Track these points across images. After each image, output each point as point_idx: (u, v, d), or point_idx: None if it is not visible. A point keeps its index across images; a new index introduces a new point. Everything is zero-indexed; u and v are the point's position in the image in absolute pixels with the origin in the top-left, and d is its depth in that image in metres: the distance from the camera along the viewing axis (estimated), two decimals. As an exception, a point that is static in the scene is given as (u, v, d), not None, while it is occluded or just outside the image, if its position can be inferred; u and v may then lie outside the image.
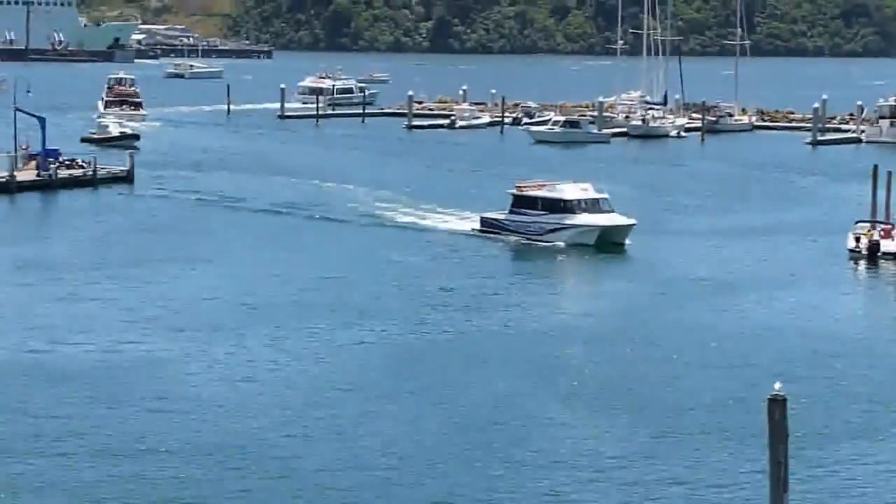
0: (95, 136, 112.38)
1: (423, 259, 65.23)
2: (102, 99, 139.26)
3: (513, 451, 36.16)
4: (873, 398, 41.78)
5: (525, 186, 72.06)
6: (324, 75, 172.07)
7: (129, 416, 38.89)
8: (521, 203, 70.48)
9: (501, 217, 71.05)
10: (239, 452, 35.85)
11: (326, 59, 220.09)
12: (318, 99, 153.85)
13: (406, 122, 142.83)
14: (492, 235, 70.14)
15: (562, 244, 67.65)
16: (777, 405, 26.80)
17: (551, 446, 36.65)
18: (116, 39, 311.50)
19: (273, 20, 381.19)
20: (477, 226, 71.79)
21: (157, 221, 76.23)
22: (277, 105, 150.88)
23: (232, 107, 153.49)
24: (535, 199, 70.18)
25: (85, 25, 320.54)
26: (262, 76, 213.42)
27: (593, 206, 69.01)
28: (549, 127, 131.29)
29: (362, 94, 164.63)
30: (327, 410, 39.78)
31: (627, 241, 67.57)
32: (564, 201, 68.91)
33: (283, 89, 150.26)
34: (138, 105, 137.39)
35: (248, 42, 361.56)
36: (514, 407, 40.25)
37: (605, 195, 70.05)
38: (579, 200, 68.92)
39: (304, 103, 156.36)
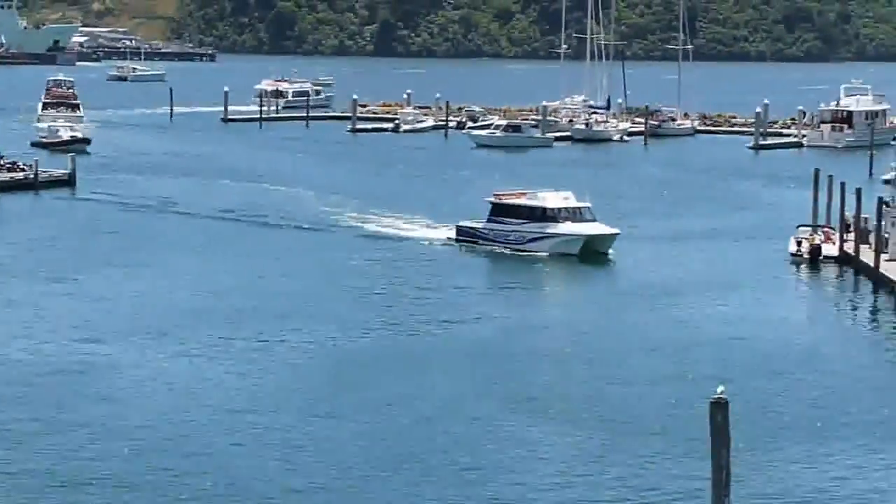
0: (45, 140, 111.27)
1: (373, 264, 65.09)
2: (41, 101, 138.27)
3: (455, 458, 36.09)
4: (815, 402, 42.02)
5: (504, 194, 70.51)
6: (279, 78, 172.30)
7: (67, 421, 38.55)
8: (500, 212, 68.85)
9: (479, 226, 69.41)
10: (176, 457, 35.60)
11: (270, 62, 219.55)
12: (277, 102, 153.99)
13: (350, 126, 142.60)
14: (468, 244, 68.77)
15: (544, 254, 66.43)
16: (719, 408, 26.90)
17: (495, 453, 36.60)
18: (56, 42, 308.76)
19: (216, 23, 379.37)
20: (452, 234, 70.28)
21: (99, 225, 75.70)
22: (221, 108, 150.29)
23: (175, 109, 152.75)
24: (516, 207, 68.66)
25: (25, 28, 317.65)
26: (205, 79, 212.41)
27: (576, 214, 67.78)
28: (490, 131, 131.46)
29: (318, 96, 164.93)
30: (266, 416, 39.58)
31: (611, 251, 66.62)
32: (547, 210, 67.55)
33: (226, 92, 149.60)
34: (75, 107, 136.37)
35: (190, 45, 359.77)
36: (456, 413, 40.18)
37: (588, 204, 68.81)
38: (562, 209, 67.65)
39: (260, 106, 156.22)
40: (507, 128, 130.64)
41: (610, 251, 66.55)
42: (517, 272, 63.77)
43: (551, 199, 68.29)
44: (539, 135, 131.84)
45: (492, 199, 70.16)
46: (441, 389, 42.56)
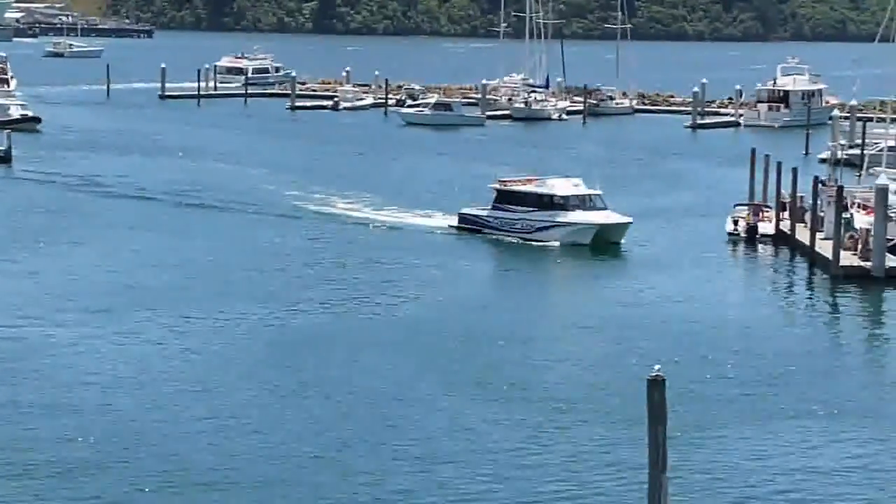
0: None
1: (304, 242, 65.03)
2: None
3: (394, 438, 36.16)
4: (751, 380, 42.37)
5: (509, 181, 67.97)
6: (241, 55, 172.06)
7: (2, 402, 38.31)
8: (506, 199, 66.17)
9: (483, 213, 66.71)
10: (112, 437, 35.44)
11: (208, 38, 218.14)
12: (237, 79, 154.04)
13: (289, 103, 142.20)
14: (472, 233, 66.41)
15: (555, 243, 63.86)
16: (656, 386, 27.04)
17: (434, 433, 36.68)
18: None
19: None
20: (453, 222, 67.71)
21: (34, 202, 75.09)
22: (158, 84, 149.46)
23: (112, 86, 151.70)
24: (523, 194, 65.94)
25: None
26: (142, 56, 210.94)
27: (587, 202, 65.03)
28: (419, 109, 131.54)
29: (278, 73, 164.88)
30: (207, 397, 39.50)
31: (623, 240, 64.10)
32: (556, 197, 64.89)
33: (163, 69, 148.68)
34: (4, 82, 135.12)
35: (128, 21, 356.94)
36: (397, 393, 40.23)
37: (599, 191, 66.09)
38: (572, 196, 64.92)
39: (221, 83, 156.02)
40: (436, 105, 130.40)
41: (622, 240, 64.01)
42: (460, 253, 63.82)
43: (560, 186, 65.60)
44: (470, 113, 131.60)
45: (496, 186, 67.42)
46: (382, 372, 42.55)
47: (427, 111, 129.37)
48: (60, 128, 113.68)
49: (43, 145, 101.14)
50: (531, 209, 65.18)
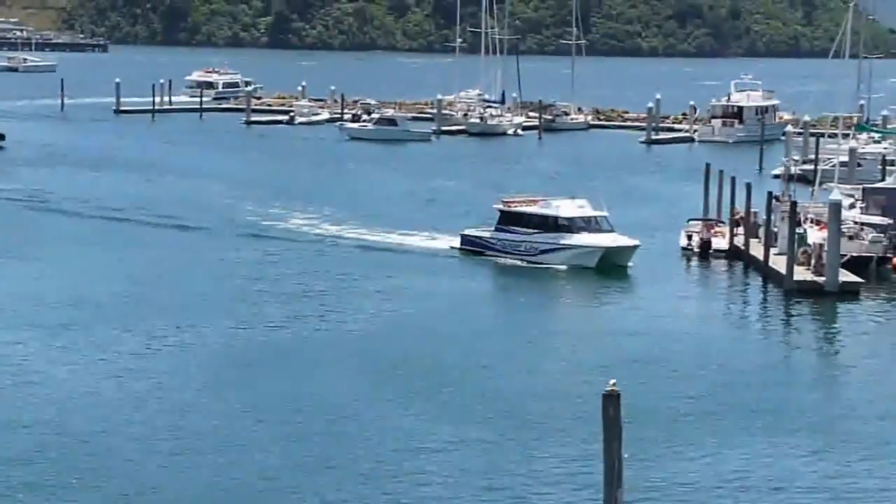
0: None
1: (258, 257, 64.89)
2: None
3: (348, 447, 36.12)
4: (705, 394, 42.50)
5: (513, 201, 66.18)
6: (210, 70, 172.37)
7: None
8: (510, 220, 64.52)
9: (486, 235, 65.23)
10: (62, 454, 35.22)
11: (163, 53, 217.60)
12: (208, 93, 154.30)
13: (244, 118, 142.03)
14: (474, 255, 64.89)
15: (561, 266, 62.31)
16: (611, 401, 27.12)
17: (386, 444, 36.65)
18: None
19: (109, 13, 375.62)
20: (455, 243, 66.41)
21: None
22: (113, 99, 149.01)
23: (66, 101, 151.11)
24: (527, 215, 64.26)
25: None
26: (97, 70, 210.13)
27: (592, 224, 63.36)
28: (361, 124, 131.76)
29: (248, 88, 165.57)
30: (172, 415, 39.34)
31: (630, 264, 62.47)
32: (561, 219, 63.29)
33: (118, 83, 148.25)
34: None
35: (82, 36, 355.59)
36: (348, 407, 40.17)
37: (605, 213, 64.44)
38: (578, 218, 63.34)
39: (191, 97, 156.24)
40: (380, 121, 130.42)
41: (630, 264, 62.44)
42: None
43: (566, 208, 63.90)
44: (417, 128, 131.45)
45: (500, 207, 65.88)
46: (336, 388, 42.47)
47: (370, 126, 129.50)
48: (14, 143, 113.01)
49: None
50: (535, 231, 63.65)
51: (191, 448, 35.96)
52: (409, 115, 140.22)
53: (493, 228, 65.36)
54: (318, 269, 61.61)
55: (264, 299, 54.70)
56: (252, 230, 71.92)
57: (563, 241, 62.80)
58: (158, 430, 37.39)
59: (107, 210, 77.78)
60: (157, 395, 40.78)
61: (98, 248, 65.89)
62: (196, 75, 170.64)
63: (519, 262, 63.29)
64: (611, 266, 61.84)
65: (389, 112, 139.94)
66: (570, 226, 63.08)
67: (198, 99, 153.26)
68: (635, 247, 62.98)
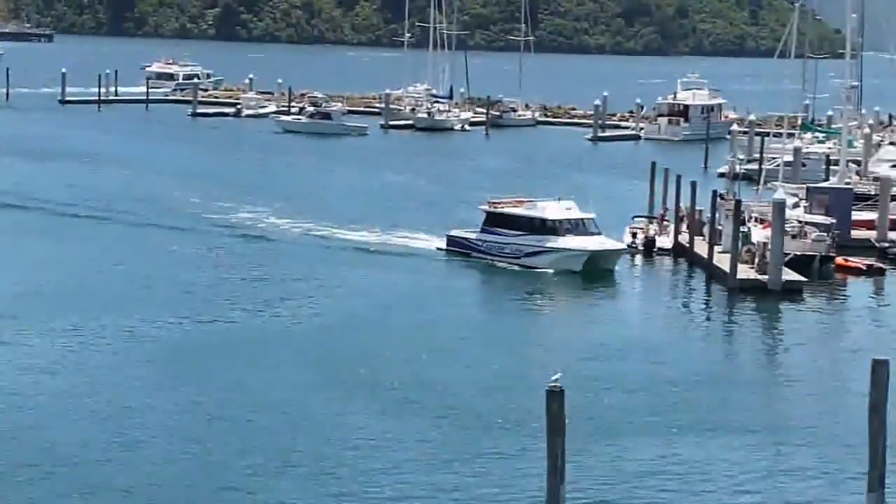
0: None
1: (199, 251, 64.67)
2: None
3: (294, 445, 36.09)
4: (647, 391, 42.70)
5: (499, 203, 65.05)
6: (171, 61, 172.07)
7: None
8: (495, 221, 63.48)
9: (472, 236, 64.24)
10: (13, 448, 35.06)
11: (109, 43, 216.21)
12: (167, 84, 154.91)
13: (191, 110, 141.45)
14: (461, 256, 63.97)
15: (546, 269, 60.99)
16: (555, 397, 27.23)
17: (334, 443, 36.65)
18: None
19: (55, 3, 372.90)
20: (441, 244, 65.48)
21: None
22: (58, 90, 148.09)
23: (11, 91, 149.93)
24: (512, 217, 63.13)
25: None
26: (42, 60, 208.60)
27: (579, 227, 62.21)
28: (295, 117, 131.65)
29: (209, 79, 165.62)
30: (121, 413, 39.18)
31: (616, 268, 61.95)
32: (547, 221, 61.93)
33: (63, 73, 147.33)
34: None
35: (28, 25, 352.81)
36: (296, 403, 40.13)
37: (592, 215, 63.37)
38: (564, 220, 62.03)
39: (151, 87, 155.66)
40: (314, 114, 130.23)
41: (616, 267, 61.90)
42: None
43: (552, 210, 62.69)
44: (352, 122, 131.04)
45: (486, 208, 64.94)
46: (285, 384, 42.40)
47: (304, 119, 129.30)
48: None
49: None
50: (521, 233, 62.54)
51: (133, 443, 35.81)
52: (345, 108, 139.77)
53: (478, 230, 64.43)
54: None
55: (210, 294, 54.50)
56: (196, 223, 71.57)
57: (548, 244, 61.65)
58: (101, 424, 37.21)
59: (50, 202, 77.14)
60: (99, 388, 40.58)
61: (39, 239, 65.47)
62: (156, 66, 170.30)
63: (504, 265, 62.28)
64: (597, 269, 60.75)
65: (337, 106, 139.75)
66: (556, 228, 61.87)
67: (159, 90, 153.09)
68: (622, 250, 62.42)
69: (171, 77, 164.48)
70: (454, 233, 65.58)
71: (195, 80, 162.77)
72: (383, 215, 75.18)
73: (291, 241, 67.70)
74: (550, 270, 60.95)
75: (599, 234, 62.78)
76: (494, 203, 65.25)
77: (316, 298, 54.29)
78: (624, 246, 63.11)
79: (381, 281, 58.40)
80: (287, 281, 57.86)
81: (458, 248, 64.53)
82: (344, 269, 60.50)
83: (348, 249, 65.70)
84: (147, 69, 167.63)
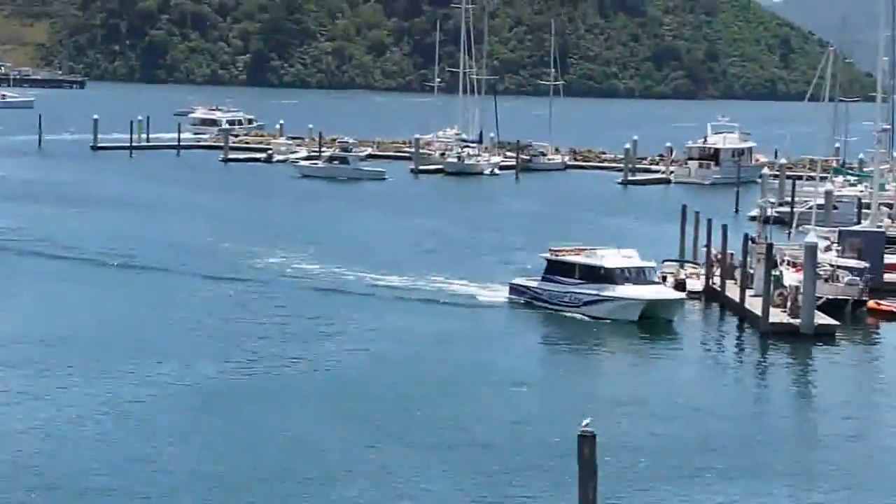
0: None
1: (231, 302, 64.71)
2: None
3: (330, 492, 36.03)
4: (679, 436, 42.43)
5: (560, 250, 64.47)
6: (214, 107, 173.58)
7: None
8: (556, 269, 62.86)
9: (533, 284, 63.64)
10: (41, 491, 35.05)
11: (141, 90, 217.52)
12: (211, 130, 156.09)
13: (222, 156, 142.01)
14: (522, 304, 63.24)
15: (603, 318, 60.05)
16: (586, 442, 27.12)
17: (366, 488, 36.56)
18: None
19: (87, 50, 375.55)
20: (505, 293, 64.76)
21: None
22: (90, 136, 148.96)
23: (44, 137, 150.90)
24: (572, 265, 62.32)
25: None
26: (75, 106, 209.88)
27: (638, 275, 61.39)
28: (313, 161, 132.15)
29: (251, 125, 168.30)
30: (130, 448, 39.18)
31: (675, 318, 60.67)
32: (605, 269, 61.07)
33: (95, 120, 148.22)
34: None
35: (61, 72, 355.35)
36: (324, 447, 40.05)
37: (652, 263, 63.31)
38: (622, 269, 61.14)
39: (195, 134, 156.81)
40: (330, 159, 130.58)
41: (675, 318, 60.60)
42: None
43: (610, 258, 62.01)
44: (370, 167, 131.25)
45: (547, 256, 64.31)
46: (320, 429, 42.34)
47: (321, 164, 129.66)
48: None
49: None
50: (580, 281, 61.69)
51: (169, 491, 35.78)
52: (364, 152, 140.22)
53: (539, 278, 63.82)
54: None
55: (243, 339, 54.47)
56: (230, 269, 71.17)
57: (605, 293, 60.74)
58: (132, 468, 37.20)
59: (82, 248, 77.03)
60: (133, 434, 40.59)
61: (72, 285, 65.65)
62: (200, 112, 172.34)
63: (564, 314, 61.48)
64: (656, 319, 59.86)
65: (366, 150, 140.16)
66: (614, 276, 60.98)
67: (203, 136, 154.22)
68: (681, 300, 61.47)
69: (214, 123, 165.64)
70: (517, 281, 65.04)
71: (238, 126, 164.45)
72: (420, 260, 75.02)
73: (332, 287, 67.14)
74: (608, 319, 60.09)
75: (658, 283, 62.28)
76: (555, 251, 64.67)
77: (361, 343, 54.02)
78: (683, 295, 62.07)
79: (422, 327, 58.16)
80: (333, 326, 57.62)
81: (519, 296, 63.97)
82: (382, 315, 60.27)
83: (387, 296, 65.13)
84: (191, 115, 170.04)
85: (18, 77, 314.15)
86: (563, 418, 42.30)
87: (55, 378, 46.78)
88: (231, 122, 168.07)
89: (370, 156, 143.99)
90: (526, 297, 63.63)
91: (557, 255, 64.00)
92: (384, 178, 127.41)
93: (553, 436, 40.69)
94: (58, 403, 43.66)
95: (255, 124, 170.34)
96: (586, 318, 60.40)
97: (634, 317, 59.84)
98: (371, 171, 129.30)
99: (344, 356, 51.82)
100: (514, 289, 64.65)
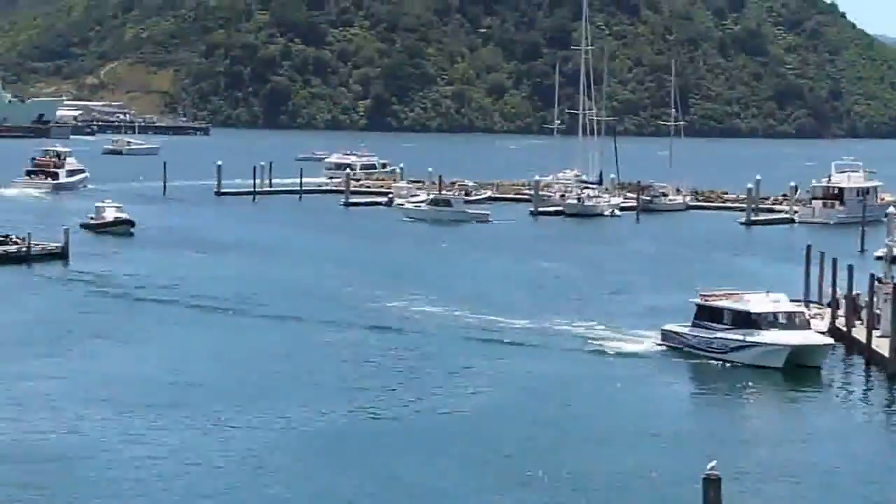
0: (92, 222, 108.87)
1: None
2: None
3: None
4: (805, 481, 41.83)
5: (710, 295, 62.99)
6: (348, 152, 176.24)
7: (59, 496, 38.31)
8: (705, 315, 61.41)
9: (684, 330, 62.29)
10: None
11: (264, 136, 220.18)
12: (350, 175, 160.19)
13: (343, 200, 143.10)
14: (675, 351, 61.68)
15: (748, 364, 58.41)
16: (711, 485, 26.85)
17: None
18: (41, 115, 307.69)
19: (211, 97, 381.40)
20: (644, 336, 64.17)
21: (89, 300, 75.34)
22: (214, 182, 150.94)
23: (168, 183, 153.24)
24: (720, 310, 60.78)
25: (9, 101, 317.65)
26: (199, 153, 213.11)
27: (784, 321, 59.46)
28: (416, 204, 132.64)
29: (385, 169, 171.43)
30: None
31: (823, 364, 58.76)
32: (751, 314, 59.41)
33: (219, 166, 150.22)
34: (54, 175, 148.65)
35: (185, 119, 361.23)
36: (451, 494, 40.00)
37: (801, 308, 61.89)
38: (768, 314, 59.51)
39: (330, 178, 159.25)
40: (433, 201, 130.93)
41: (823, 364, 58.69)
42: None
43: (756, 302, 60.32)
44: (474, 210, 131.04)
45: (697, 301, 62.96)
46: (445, 475, 42.34)
47: (425, 206, 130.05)
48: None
49: (100, 241, 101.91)
50: (728, 326, 60.21)
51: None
52: (484, 194, 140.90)
53: (690, 324, 62.56)
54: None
55: (367, 383, 54.65)
56: (360, 315, 70.66)
57: (750, 339, 59.13)
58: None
59: (206, 294, 77.48)
60: (260, 476, 40.88)
61: (197, 330, 66.38)
62: (335, 157, 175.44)
63: (712, 360, 59.97)
64: (803, 366, 58.06)
65: (486, 193, 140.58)
66: (760, 321, 59.28)
67: (338, 181, 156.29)
68: (829, 346, 59.31)
69: (349, 167, 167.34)
70: (668, 327, 63.72)
71: (373, 170, 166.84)
72: (548, 303, 74.52)
73: (459, 332, 66.59)
74: (752, 366, 58.40)
75: (807, 328, 60.17)
76: (705, 296, 63.26)
77: (500, 388, 53.94)
78: (830, 341, 59.83)
79: (565, 372, 57.85)
80: (463, 370, 57.45)
81: (670, 342, 62.61)
82: (511, 358, 60.11)
83: (512, 340, 64.90)
84: (326, 160, 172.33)
85: (143, 124, 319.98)
86: (690, 462, 41.92)
87: (179, 421, 47.26)
88: (365, 167, 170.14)
89: (490, 198, 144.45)
90: (675, 343, 62.27)
91: (707, 300, 62.58)
92: (489, 221, 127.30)
93: (676, 480, 40.31)
94: (182, 445, 44.10)
95: (388, 168, 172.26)
96: (728, 365, 59.06)
97: (779, 363, 58.06)
98: (474, 214, 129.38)
99: (480, 401, 51.69)
100: (666, 334, 63.32)
